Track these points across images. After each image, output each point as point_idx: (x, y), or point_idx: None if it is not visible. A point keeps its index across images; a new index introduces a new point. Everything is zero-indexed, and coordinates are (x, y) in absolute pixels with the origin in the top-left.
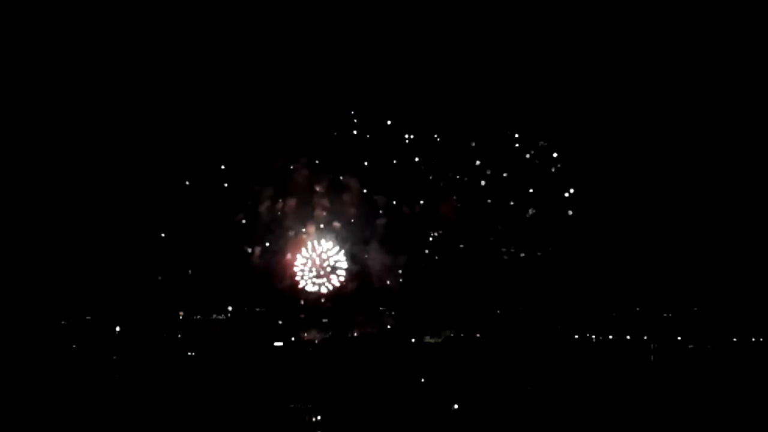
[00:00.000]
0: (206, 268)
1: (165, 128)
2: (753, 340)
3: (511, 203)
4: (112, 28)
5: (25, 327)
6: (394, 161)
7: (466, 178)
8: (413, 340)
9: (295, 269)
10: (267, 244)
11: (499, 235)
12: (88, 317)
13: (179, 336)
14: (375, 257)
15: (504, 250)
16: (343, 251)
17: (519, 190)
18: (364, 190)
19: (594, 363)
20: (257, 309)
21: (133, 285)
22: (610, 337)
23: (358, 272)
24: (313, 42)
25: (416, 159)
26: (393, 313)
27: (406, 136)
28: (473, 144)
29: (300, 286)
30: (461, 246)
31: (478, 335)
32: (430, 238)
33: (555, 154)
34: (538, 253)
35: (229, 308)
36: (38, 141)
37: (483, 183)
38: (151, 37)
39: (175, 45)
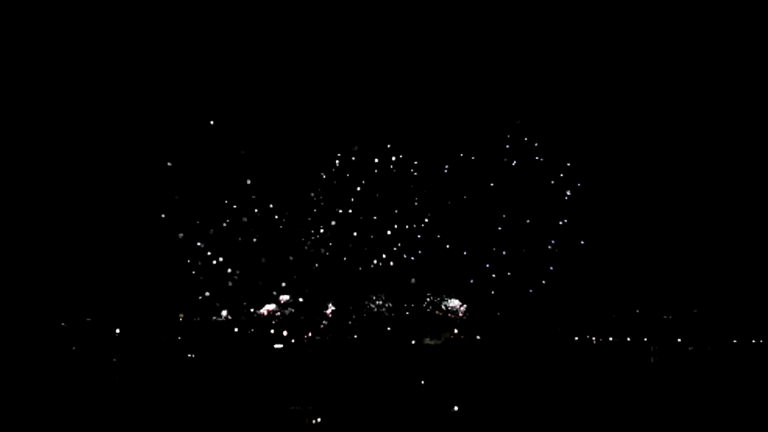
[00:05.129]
0: (207, 269)
1: (164, 129)
2: (753, 341)
3: (509, 202)
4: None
5: (24, 328)
6: (387, 156)
7: (462, 176)
8: (413, 341)
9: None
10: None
11: (499, 235)
12: (88, 319)
13: (179, 338)
14: (370, 255)
15: (504, 251)
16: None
17: (517, 189)
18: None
19: (594, 365)
20: (257, 310)
21: (133, 286)
22: (610, 339)
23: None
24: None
25: (408, 156)
26: (392, 313)
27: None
28: (468, 141)
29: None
30: (460, 246)
31: (478, 337)
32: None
33: (552, 153)
34: (538, 254)
35: (229, 310)
36: (38, 142)
37: (480, 181)
38: (146, 38)
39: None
